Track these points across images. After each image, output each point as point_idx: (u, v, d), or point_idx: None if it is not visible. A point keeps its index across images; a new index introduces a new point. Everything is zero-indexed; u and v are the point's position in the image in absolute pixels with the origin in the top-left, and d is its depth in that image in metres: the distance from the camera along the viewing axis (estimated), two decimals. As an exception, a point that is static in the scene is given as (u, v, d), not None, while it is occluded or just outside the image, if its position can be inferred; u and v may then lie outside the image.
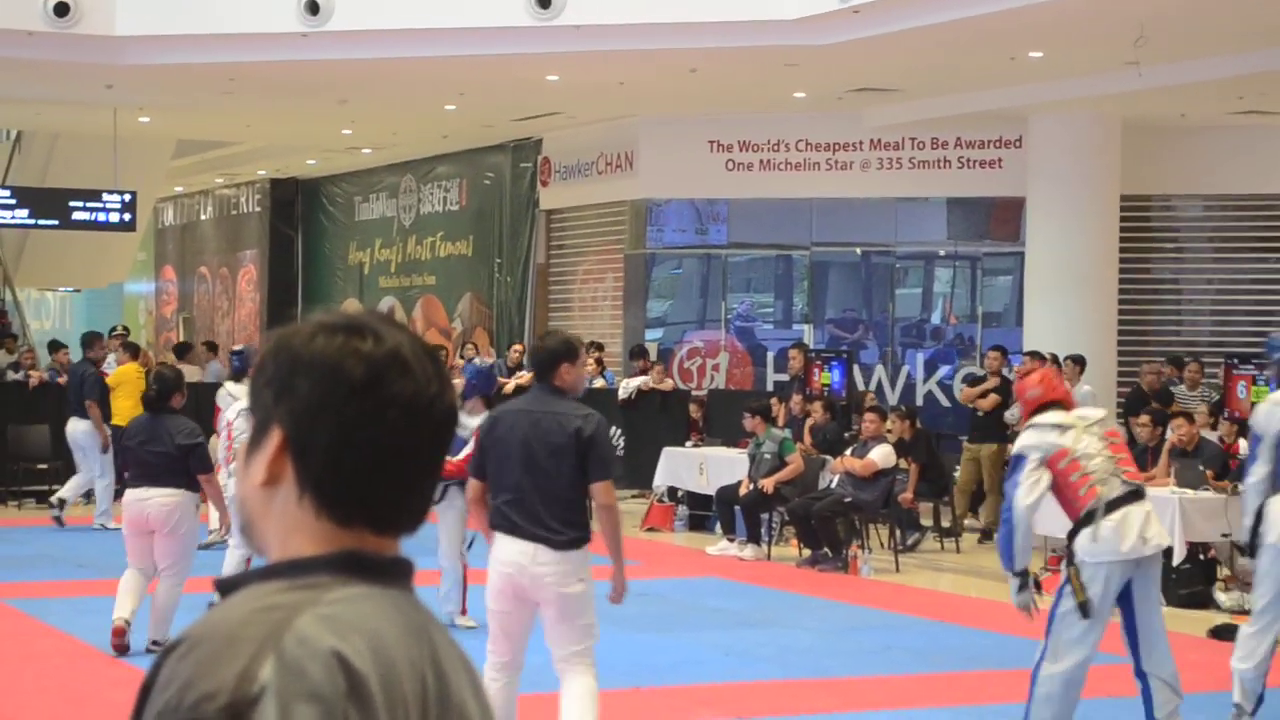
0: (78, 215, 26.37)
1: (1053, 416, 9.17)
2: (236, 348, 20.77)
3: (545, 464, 8.29)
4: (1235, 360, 16.07)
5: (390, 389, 2.10)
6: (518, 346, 25.82)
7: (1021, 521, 9.01)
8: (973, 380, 21.20)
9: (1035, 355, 20.25)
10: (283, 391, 2.13)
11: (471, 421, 12.99)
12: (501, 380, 24.32)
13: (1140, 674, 9.27)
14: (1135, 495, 9.14)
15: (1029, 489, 9.00)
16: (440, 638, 2.13)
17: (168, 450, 12.21)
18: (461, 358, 25.98)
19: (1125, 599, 9.19)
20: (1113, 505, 9.01)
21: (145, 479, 12.32)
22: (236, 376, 18.16)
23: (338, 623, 1.99)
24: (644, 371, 23.81)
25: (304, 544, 2.12)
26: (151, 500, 12.27)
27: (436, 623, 2.15)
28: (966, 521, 20.26)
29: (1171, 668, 9.24)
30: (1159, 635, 9.31)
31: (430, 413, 2.13)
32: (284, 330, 2.18)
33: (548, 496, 8.30)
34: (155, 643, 12.08)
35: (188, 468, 12.24)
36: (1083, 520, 9.04)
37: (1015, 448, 9.40)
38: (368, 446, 2.10)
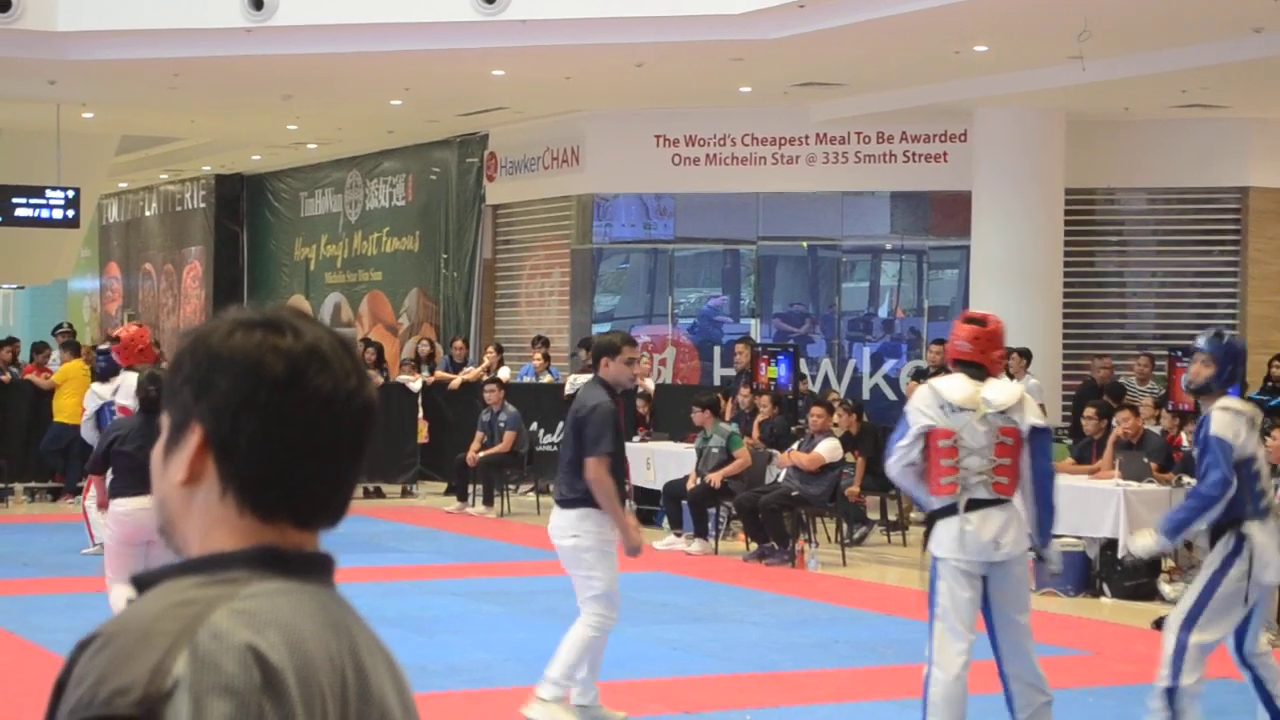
0: (20, 211, 26.23)
1: (957, 390, 8.73)
2: (102, 346, 19.66)
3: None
4: (1179, 353, 16.14)
5: (310, 384, 2.10)
6: (458, 343, 25.76)
7: (900, 484, 9.25)
8: (919, 374, 21.25)
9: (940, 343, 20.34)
10: (202, 389, 2.12)
11: None
12: (447, 376, 24.32)
13: (1002, 675, 9.01)
14: (998, 502, 8.70)
15: (899, 457, 8.72)
16: (360, 632, 2.13)
17: None
18: (416, 353, 25.90)
19: (985, 600, 8.90)
20: (973, 505, 8.64)
21: (144, 486, 12.11)
22: (104, 376, 17.39)
23: (253, 617, 1.99)
24: (588, 367, 23.77)
25: (224, 540, 2.11)
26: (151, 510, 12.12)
27: (357, 617, 2.15)
28: (912, 514, 20.28)
29: (1034, 669, 8.92)
30: (1020, 637, 8.98)
31: (349, 406, 2.13)
32: (201, 328, 2.17)
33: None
34: None
35: None
36: (944, 510, 8.72)
37: (909, 404, 8.97)
38: (289, 442, 2.10)
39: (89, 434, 17.32)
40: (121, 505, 11.12)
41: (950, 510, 8.68)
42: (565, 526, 9.98)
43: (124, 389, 17.38)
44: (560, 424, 23.23)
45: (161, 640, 1.94)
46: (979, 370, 8.86)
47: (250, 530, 2.11)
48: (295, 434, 2.10)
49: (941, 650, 8.60)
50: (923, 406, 8.73)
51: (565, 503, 10.00)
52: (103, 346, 19.29)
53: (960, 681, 8.56)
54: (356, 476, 2.18)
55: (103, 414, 17.19)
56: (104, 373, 17.68)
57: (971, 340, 8.91)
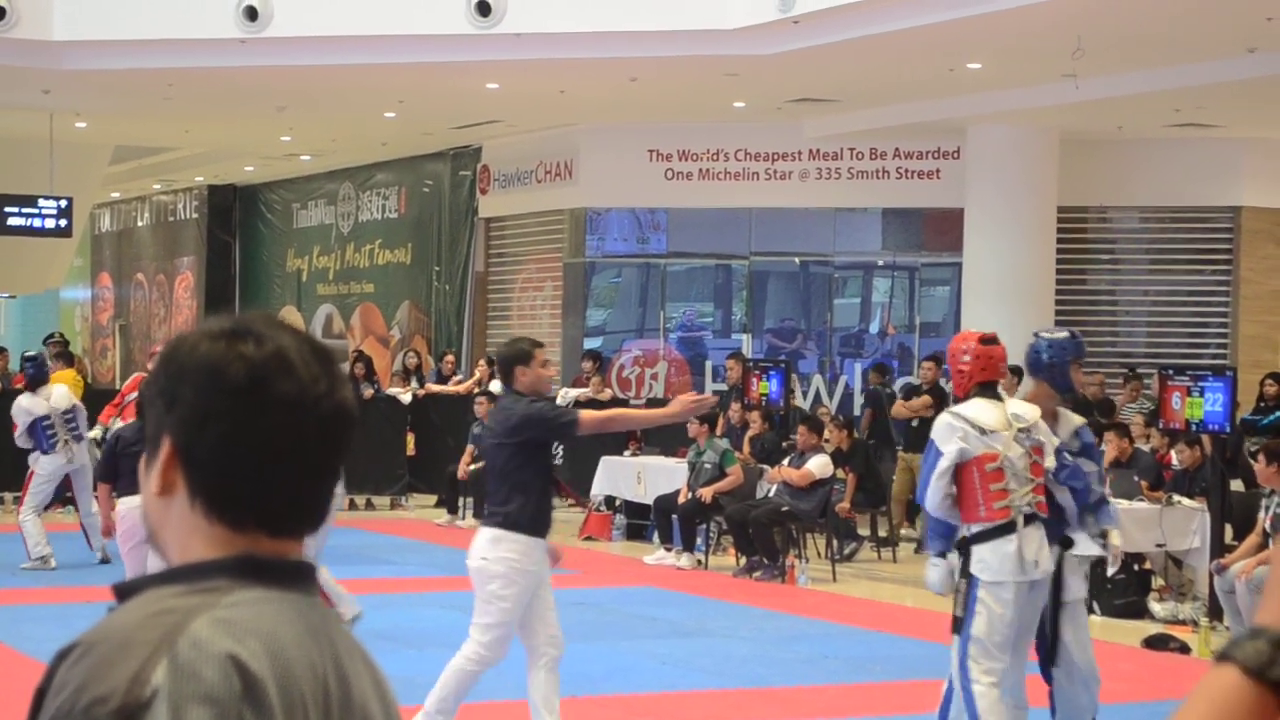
0: (13, 221, 26.21)
1: (986, 414, 8.84)
2: (29, 353, 19.35)
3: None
4: (1170, 371, 16.16)
5: (273, 390, 2.10)
6: (449, 357, 25.78)
7: (938, 515, 8.95)
8: (909, 391, 21.25)
9: (933, 358, 20.37)
10: (171, 400, 2.13)
11: None
12: (439, 388, 24.33)
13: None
14: (1036, 519, 8.85)
15: (938, 489, 8.79)
16: (342, 640, 2.13)
17: None
18: (404, 365, 25.96)
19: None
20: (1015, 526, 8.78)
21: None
22: (32, 385, 17.40)
23: (234, 626, 1.99)
24: (587, 379, 23.75)
25: (201, 549, 2.12)
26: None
27: (339, 625, 2.15)
28: (903, 531, 20.30)
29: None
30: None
31: (315, 412, 2.12)
32: (174, 340, 2.18)
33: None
34: None
35: None
36: (990, 533, 8.79)
37: (936, 435, 9.01)
38: (252, 449, 2.10)
39: (22, 443, 17.28)
40: (124, 504, 12.42)
41: (999, 532, 8.76)
42: (478, 547, 9.11)
43: (56, 396, 17.40)
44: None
45: (141, 649, 1.94)
46: (994, 389, 9.01)
47: (223, 539, 2.11)
48: (257, 441, 2.10)
49: (981, 671, 8.72)
50: (955, 435, 8.82)
51: (486, 521, 9.26)
52: (30, 354, 19.12)
53: (1002, 701, 8.75)
54: (330, 483, 2.18)
55: (35, 427, 17.14)
56: (32, 380, 17.55)
57: (1001, 359, 9.18)
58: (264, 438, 2.10)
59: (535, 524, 9.00)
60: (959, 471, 8.77)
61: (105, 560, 17.10)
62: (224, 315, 2.21)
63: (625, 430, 9.58)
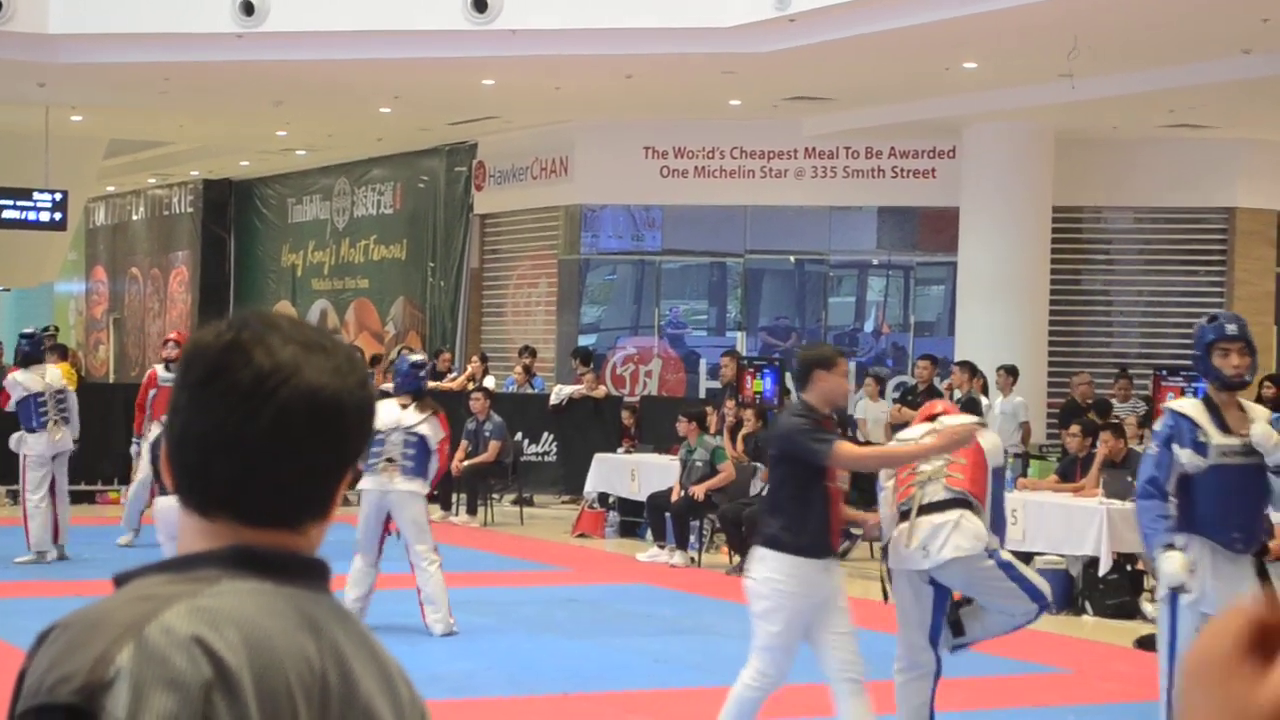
0: (8, 214, 26.22)
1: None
2: (26, 330, 19.22)
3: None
4: (1164, 372, 16.19)
5: (230, 378, 2.11)
6: (444, 355, 25.79)
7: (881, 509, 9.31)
8: (908, 392, 21.25)
9: (966, 366, 20.36)
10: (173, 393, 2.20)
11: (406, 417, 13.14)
12: (430, 384, 24.34)
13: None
14: (954, 504, 8.86)
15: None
16: (349, 636, 2.13)
17: None
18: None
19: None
20: (925, 510, 8.89)
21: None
22: (25, 362, 17.40)
23: (212, 614, 1.99)
24: (580, 377, 23.75)
25: (193, 540, 2.14)
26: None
27: (347, 621, 2.15)
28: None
29: None
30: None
31: (274, 398, 2.11)
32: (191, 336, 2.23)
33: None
34: None
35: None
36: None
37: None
38: (204, 438, 2.12)
39: (11, 408, 17.31)
40: (162, 501, 12.43)
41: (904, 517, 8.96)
42: (749, 565, 8.88)
43: (51, 375, 17.44)
44: (545, 434, 23.25)
45: (110, 631, 1.96)
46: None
47: (209, 530, 2.13)
48: (207, 429, 2.11)
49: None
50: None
51: (763, 543, 8.75)
52: (26, 330, 19.10)
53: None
54: (306, 471, 2.15)
55: (27, 404, 17.14)
56: (26, 358, 17.53)
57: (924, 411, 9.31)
58: (214, 425, 2.11)
59: (800, 544, 8.53)
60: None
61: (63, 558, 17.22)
62: (242, 311, 2.23)
63: (879, 470, 9.18)
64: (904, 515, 8.97)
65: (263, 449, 2.11)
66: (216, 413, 2.11)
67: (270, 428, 2.11)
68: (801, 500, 8.49)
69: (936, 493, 8.88)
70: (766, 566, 8.54)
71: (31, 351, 17.59)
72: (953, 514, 8.81)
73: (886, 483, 9.17)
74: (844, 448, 8.62)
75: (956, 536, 8.78)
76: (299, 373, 2.12)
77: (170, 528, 12.23)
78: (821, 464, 8.43)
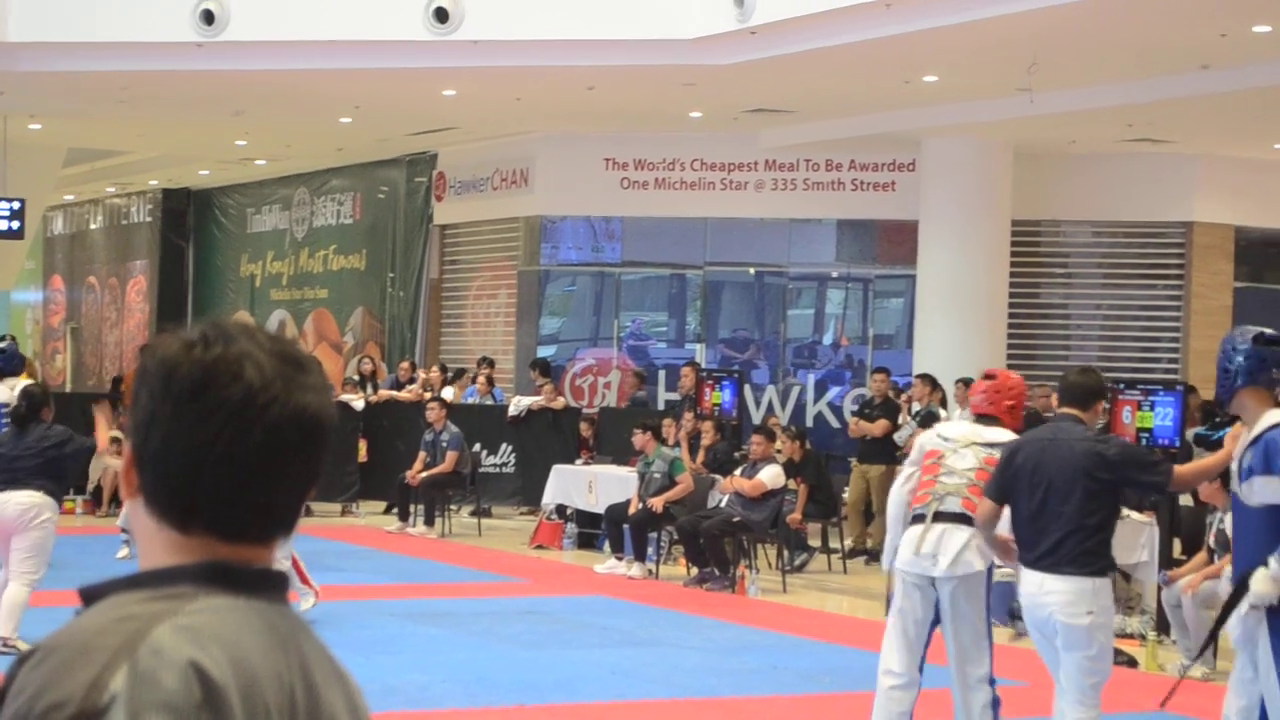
0: (-36, 222, 26.08)
1: (954, 428, 9.41)
2: None
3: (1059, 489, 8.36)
4: (1121, 385, 16.21)
5: (217, 394, 2.09)
6: (404, 364, 25.78)
7: (890, 507, 9.43)
8: (865, 405, 21.22)
9: (926, 379, 20.38)
10: (134, 401, 2.15)
11: None
12: (392, 394, 24.31)
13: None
14: (967, 521, 8.96)
15: (901, 481, 9.37)
16: (312, 650, 2.12)
17: (32, 455, 12.41)
18: (359, 372, 25.95)
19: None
20: (937, 517, 9.04)
21: (8, 484, 12.46)
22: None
23: (197, 633, 1.98)
24: (539, 389, 23.73)
25: (161, 552, 2.12)
26: (9, 502, 12.39)
27: (309, 635, 2.14)
28: (849, 544, 20.19)
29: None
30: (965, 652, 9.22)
31: (265, 417, 2.10)
32: (149, 341, 2.20)
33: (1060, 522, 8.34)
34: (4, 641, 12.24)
35: (53, 472, 12.43)
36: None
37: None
38: (190, 452, 2.09)
39: None
40: None
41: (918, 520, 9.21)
42: (1072, 600, 8.30)
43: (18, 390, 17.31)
44: (503, 445, 23.23)
45: (101, 655, 1.93)
46: (997, 422, 9.28)
47: (177, 543, 2.11)
48: (196, 444, 2.09)
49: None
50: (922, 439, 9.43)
51: (1071, 569, 8.32)
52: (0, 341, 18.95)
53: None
54: (297, 489, 2.16)
55: None
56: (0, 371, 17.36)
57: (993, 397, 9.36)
58: (204, 442, 2.08)
59: (1110, 565, 8.49)
60: None
61: None
62: (207, 320, 2.21)
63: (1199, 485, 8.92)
64: (918, 519, 9.11)
65: (253, 466, 2.10)
66: (206, 429, 2.08)
67: (261, 445, 2.10)
68: (1111, 524, 8.43)
69: (954, 506, 9.03)
70: (1105, 595, 8.38)
71: (5, 366, 17.39)
72: (966, 531, 8.95)
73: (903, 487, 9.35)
74: (1180, 469, 8.60)
75: (968, 553, 8.96)
76: (288, 390, 2.12)
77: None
78: (1165, 488, 8.64)
